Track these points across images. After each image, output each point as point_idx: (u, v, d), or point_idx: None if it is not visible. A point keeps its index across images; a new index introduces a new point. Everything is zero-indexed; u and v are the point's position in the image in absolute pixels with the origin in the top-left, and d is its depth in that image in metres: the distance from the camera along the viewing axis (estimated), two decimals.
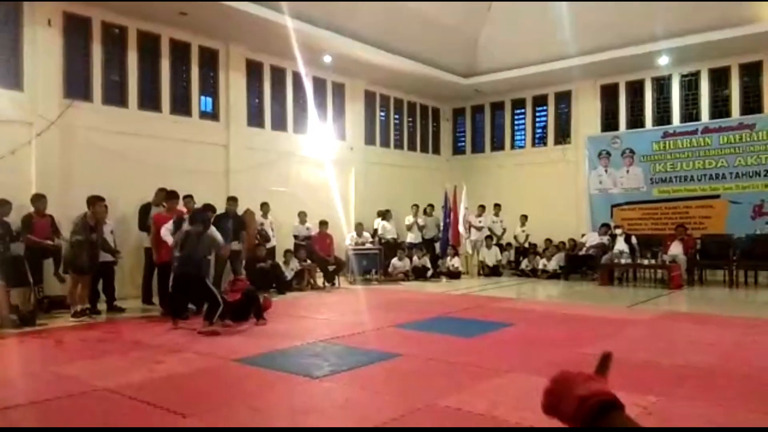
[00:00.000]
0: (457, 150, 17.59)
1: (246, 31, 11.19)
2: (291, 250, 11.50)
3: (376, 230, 13.76)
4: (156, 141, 10.45)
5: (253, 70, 12.37)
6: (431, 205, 14.73)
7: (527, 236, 14.49)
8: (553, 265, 13.33)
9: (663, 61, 13.16)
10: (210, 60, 11.61)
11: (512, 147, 16.39)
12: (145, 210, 9.31)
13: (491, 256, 14.08)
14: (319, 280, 11.74)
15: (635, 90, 14.27)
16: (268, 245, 11.05)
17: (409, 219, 14.15)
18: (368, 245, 13.08)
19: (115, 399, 4.22)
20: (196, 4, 9.88)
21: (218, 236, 7.77)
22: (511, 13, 13.96)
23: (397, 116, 16.13)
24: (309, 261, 11.56)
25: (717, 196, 12.80)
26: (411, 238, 14.04)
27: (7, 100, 8.80)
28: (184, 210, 8.62)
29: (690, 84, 13.53)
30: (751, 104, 12.71)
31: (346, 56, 12.77)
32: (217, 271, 8.74)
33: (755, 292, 10.86)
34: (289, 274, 11.06)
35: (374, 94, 15.27)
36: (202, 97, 11.58)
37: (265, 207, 11.38)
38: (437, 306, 9.15)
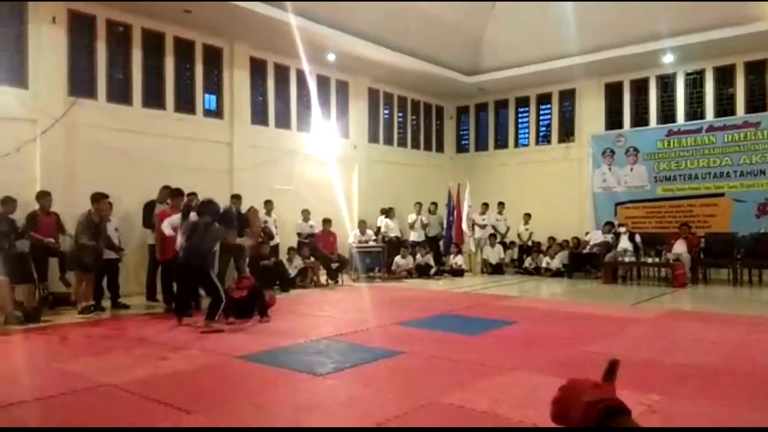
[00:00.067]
0: (461, 148, 17.58)
1: (250, 29, 11.20)
2: (294, 247, 11.53)
3: (379, 228, 13.76)
4: (160, 139, 10.47)
5: (257, 68, 12.39)
6: (434, 203, 14.73)
7: (531, 234, 14.48)
8: (556, 263, 13.33)
9: (668, 59, 13.12)
10: (214, 58, 11.63)
11: (516, 145, 16.38)
12: (149, 207, 9.34)
13: (494, 254, 14.07)
14: (323, 278, 11.76)
15: (639, 88, 14.24)
16: (272, 243, 11.06)
17: (412, 217, 14.16)
18: (371, 243, 13.10)
19: (119, 395, 4.24)
20: (200, 3, 9.91)
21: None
22: (515, 11, 13.94)
23: (400, 114, 16.13)
24: (312, 259, 11.58)
25: (721, 195, 12.77)
26: (414, 236, 14.05)
27: (11, 98, 8.83)
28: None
29: (695, 82, 13.49)
30: (755, 103, 12.67)
31: (350, 54, 12.77)
32: (221, 268, 8.74)
33: (759, 290, 10.83)
34: (292, 272, 11.08)
35: (378, 92, 15.27)
36: (206, 95, 11.60)
37: (268, 205, 11.39)
38: (440, 304, 9.15)
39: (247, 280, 7.94)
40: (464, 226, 14.00)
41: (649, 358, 5.30)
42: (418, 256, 13.39)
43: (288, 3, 10.54)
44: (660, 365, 5.09)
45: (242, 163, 11.74)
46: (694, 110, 13.47)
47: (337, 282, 11.80)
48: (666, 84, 13.87)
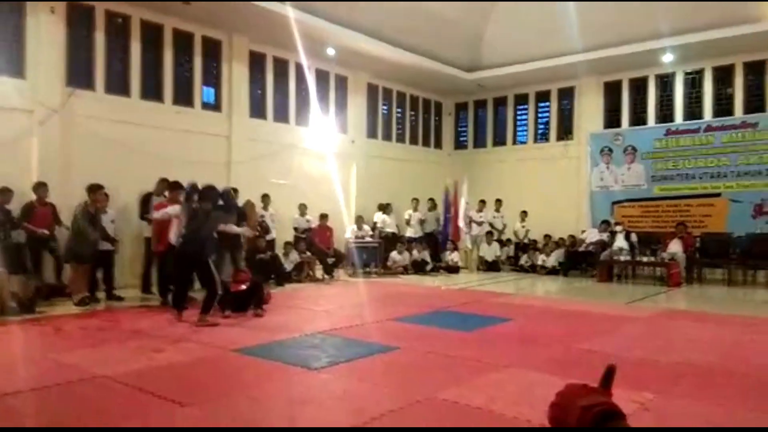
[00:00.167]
0: (459, 144, 17.57)
1: (249, 22, 11.17)
2: (291, 242, 11.53)
3: (375, 224, 13.76)
4: (158, 131, 10.45)
5: (256, 61, 12.35)
6: (431, 200, 14.74)
7: (527, 232, 14.50)
8: (552, 261, 13.36)
9: (667, 58, 13.12)
10: (213, 50, 11.59)
11: (514, 142, 16.38)
12: (145, 200, 9.32)
13: (491, 251, 14.09)
14: (319, 273, 11.76)
15: (638, 87, 14.25)
16: (269, 237, 11.06)
17: (408, 213, 14.16)
18: (368, 238, 13.10)
19: (114, 387, 4.24)
20: None
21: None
22: (516, 9, 13.93)
23: (399, 110, 16.11)
24: (309, 253, 11.58)
25: (718, 195, 12.80)
26: (411, 232, 14.06)
27: (9, 88, 8.80)
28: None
29: (693, 82, 13.50)
30: (754, 103, 12.69)
31: (350, 49, 12.74)
32: (217, 261, 8.71)
33: (754, 291, 10.87)
34: (288, 266, 11.08)
35: (377, 87, 15.24)
36: (205, 88, 11.57)
37: (265, 199, 11.39)
38: (436, 300, 9.16)
39: (244, 275, 7.93)
40: (461, 223, 14.01)
41: (643, 357, 5.32)
42: (415, 252, 13.40)
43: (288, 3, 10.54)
44: (654, 364, 5.11)
45: (240, 156, 11.72)
46: (693, 110, 13.49)
47: (332, 277, 11.81)
48: (665, 83, 13.88)
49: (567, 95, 15.44)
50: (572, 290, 10.84)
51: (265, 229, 11.03)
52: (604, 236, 12.78)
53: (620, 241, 12.22)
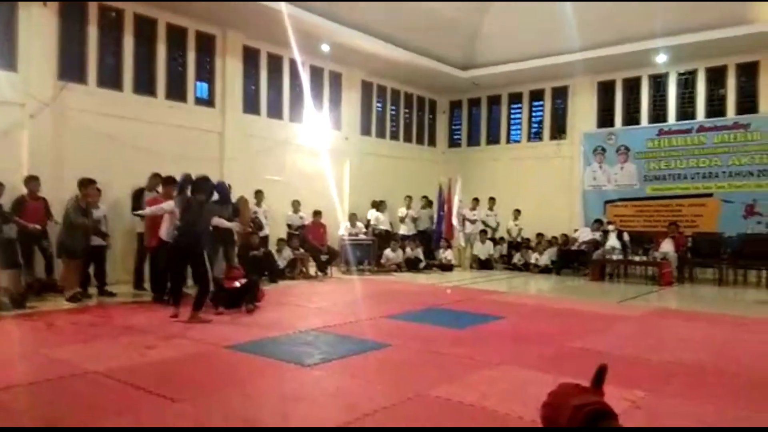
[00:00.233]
0: (453, 143, 17.58)
1: (244, 17, 11.11)
2: (284, 238, 11.50)
3: (369, 221, 13.76)
4: (150, 126, 10.39)
5: (250, 57, 12.30)
6: (425, 197, 14.76)
7: (520, 230, 14.53)
8: (545, 259, 13.41)
9: (660, 59, 13.17)
10: (207, 45, 11.53)
11: (508, 141, 16.40)
12: (138, 195, 9.27)
13: (484, 250, 14.11)
14: (312, 270, 11.75)
15: (632, 87, 14.30)
16: (262, 233, 11.02)
17: (402, 211, 14.16)
18: (361, 236, 13.10)
19: (106, 383, 4.22)
20: None
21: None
22: (511, 7, 13.92)
23: (393, 107, 16.09)
24: (302, 250, 11.57)
25: (710, 195, 12.87)
26: (404, 229, 14.06)
27: (1, 81, 8.70)
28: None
29: (686, 82, 13.56)
30: (746, 104, 12.76)
31: (345, 45, 12.71)
32: (210, 257, 8.67)
33: (745, 290, 10.94)
34: (281, 263, 11.06)
35: (371, 85, 15.21)
36: (198, 83, 11.50)
37: (259, 195, 11.36)
38: (429, 297, 9.17)
39: (237, 271, 7.91)
40: (454, 221, 14.02)
41: (635, 356, 5.34)
42: (408, 249, 13.40)
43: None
44: (646, 362, 5.14)
45: (233, 152, 11.67)
46: (686, 110, 13.55)
47: (326, 274, 11.79)
48: (658, 83, 13.93)
49: (561, 94, 15.47)
50: (564, 289, 10.88)
51: (258, 226, 11.00)
52: (597, 235, 12.83)
53: (612, 241, 12.27)
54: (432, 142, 17.35)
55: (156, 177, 9.20)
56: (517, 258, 14.03)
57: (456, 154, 17.17)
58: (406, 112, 16.51)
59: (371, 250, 12.93)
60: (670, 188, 13.43)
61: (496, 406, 3.82)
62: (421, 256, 13.53)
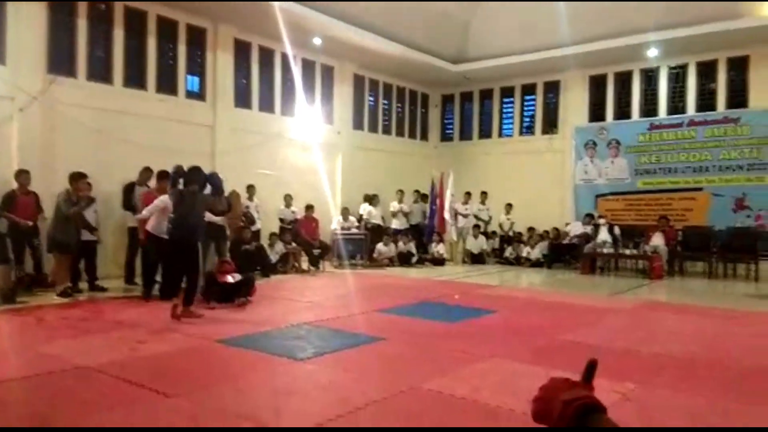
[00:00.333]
0: (445, 137, 17.57)
1: (235, 10, 11.03)
2: (276, 233, 11.48)
3: (362, 215, 13.75)
4: (141, 119, 10.31)
5: (242, 50, 12.23)
6: (417, 191, 14.76)
7: (512, 224, 14.57)
8: (536, 253, 13.45)
9: (652, 53, 13.21)
10: (197, 38, 11.45)
11: (500, 135, 16.42)
12: (129, 189, 9.22)
13: (477, 244, 14.14)
14: (304, 264, 11.72)
15: (623, 81, 14.34)
16: (254, 228, 10.99)
17: (394, 205, 14.16)
18: (354, 230, 13.09)
19: (97, 377, 4.20)
20: None
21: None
22: (503, 3, 13.91)
23: (385, 101, 16.06)
24: (294, 244, 11.55)
25: (700, 189, 12.95)
26: (396, 224, 14.07)
27: None
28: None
29: (677, 76, 13.61)
30: (736, 98, 12.83)
31: (337, 39, 12.66)
32: (202, 252, 8.63)
33: (734, 283, 11.04)
34: (273, 257, 11.04)
35: (363, 78, 15.17)
36: (189, 77, 11.43)
37: (251, 189, 11.32)
38: (421, 291, 9.19)
39: (229, 266, 7.88)
40: (446, 215, 14.04)
41: (625, 348, 5.38)
42: (400, 243, 13.42)
43: None
44: (636, 355, 5.18)
45: (225, 146, 11.62)
46: (676, 104, 13.61)
47: (318, 268, 11.78)
48: (649, 78, 13.98)
49: (552, 89, 15.49)
50: (556, 282, 10.94)
51: (251, 220, 10.96)
52: (588, 229, 12.89)
53: (603, 234, 12.33)
54: (424, 136, 17.34)
55: (147, 171, 9.14)
56: (508, 252, 14.08)
57: (448, 148, 17.18)
58: (398, 106, 16.48)
59: (363, 245, 12.93)
60: (660, 182, 13.50)
61: (488, 399, 3.84)
62: (414, 251, 13.55)
